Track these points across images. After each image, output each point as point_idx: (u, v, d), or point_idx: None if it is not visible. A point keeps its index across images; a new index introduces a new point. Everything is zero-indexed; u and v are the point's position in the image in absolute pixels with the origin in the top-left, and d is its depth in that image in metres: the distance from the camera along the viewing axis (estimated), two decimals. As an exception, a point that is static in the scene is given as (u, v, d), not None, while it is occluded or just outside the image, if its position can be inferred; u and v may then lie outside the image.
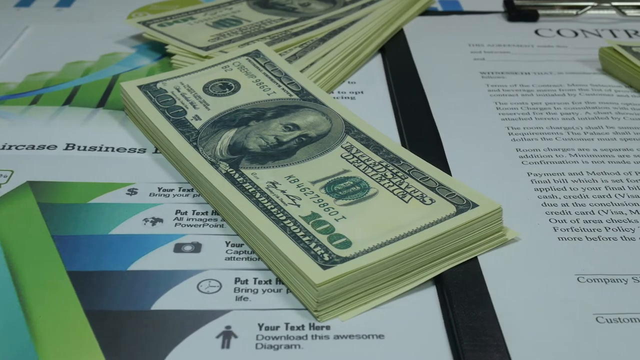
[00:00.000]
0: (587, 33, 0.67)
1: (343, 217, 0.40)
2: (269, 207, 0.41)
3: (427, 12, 0.71)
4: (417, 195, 0.42)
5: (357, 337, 0.35)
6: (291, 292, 0.38)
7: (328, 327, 0.35)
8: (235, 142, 0.47)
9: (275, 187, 0.42)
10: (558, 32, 0.67)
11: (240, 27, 0.64)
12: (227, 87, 0.53)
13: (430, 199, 0.41)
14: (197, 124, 0.48)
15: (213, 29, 0.63)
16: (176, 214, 0.43)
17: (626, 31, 0.67)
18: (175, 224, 0.42)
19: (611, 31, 0.67)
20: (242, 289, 0.38)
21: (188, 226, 0.42)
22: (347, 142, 0.46)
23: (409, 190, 0.42)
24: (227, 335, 0.35)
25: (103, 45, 0.64)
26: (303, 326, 0.35)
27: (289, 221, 0.40)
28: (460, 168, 0.47)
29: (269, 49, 0.57)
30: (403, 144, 0.50)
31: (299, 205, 0.41)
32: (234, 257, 0.40)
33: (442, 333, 0.35)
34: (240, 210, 0.40)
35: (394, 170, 0.44)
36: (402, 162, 0.44)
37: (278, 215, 0.40)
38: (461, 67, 0.60)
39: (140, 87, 0.53)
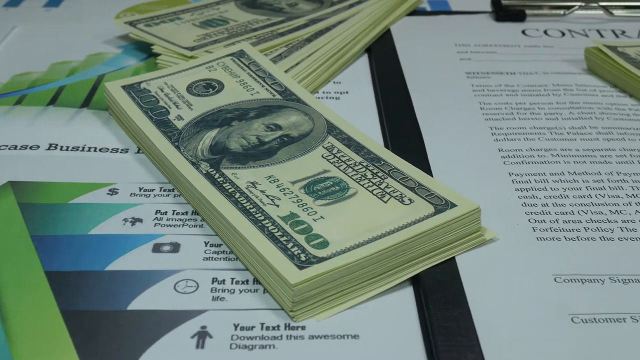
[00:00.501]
0: (574, 33, 0.67)
1: (321, 217, 0.40)
2: (247, 207, 0.41)
3: (415, 12, 0.71)
4: (396, 196, 0.42)
5: (331, 337, 0.35)
6: (268, 292, 0.38)
7: (303, 327, 0.35)
8: (217, 142, 0.47)
9: (255, 187, 0.42)
10: (545, 32, 0.67)
11: (227, 27, 0.64)
12: (210, 87, 0.53)
13: (409, 199, 0.41)
14: (180, 124, 0.48)
15: (199, 29, 0.63)
16: (156, 214, 0.43)
17: (613, 31, 0.67)
18: (155, 224, 0.42)
19: (598, 31, 0.67)
20: (219, 289, 0.38)
21: (167, 226, 0.42)
22: (328, 142, 0.46)
23: (388, 190, 0.42)
24: (202, 335, 0.35)
25: (90, 45, 0.64)
26: (278, 326, 0.35)
27: (267, 221, 0.40)
28: (441, 168, 0.47)
29: (253, 49, 0.57)
30: (386, 144, 0.50)
31: (277, 206, 0.41)
32: (212, 257, 0.40)
33: (417, 333, 0.35)
34: (219, 210, 0.40)
35: (374, 171, 0.44)
36: (382, 162, 0.44)
37: (257, 216, 0.40)
38: (447, 67, 0.60)
39: (124, 87, 0.53)
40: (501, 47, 0.64)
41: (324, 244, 0.38)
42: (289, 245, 0.38)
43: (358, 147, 0.46)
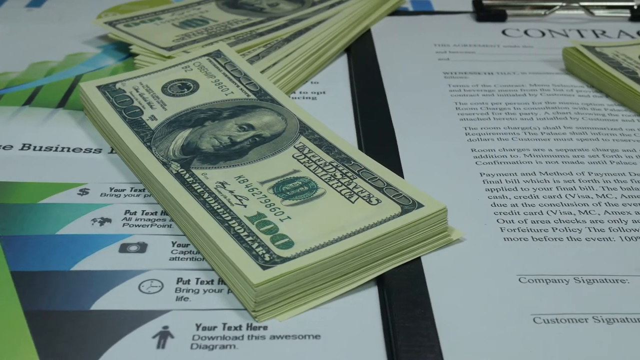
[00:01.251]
0: (555, 33, 0.67)
1: (288, 217, 0.40)
2: (215, 208, 0.41)
3: (397, 12, 0.71)
4: (364, 196, 0.42)
5: (292, 337, 0.35)
6: (232, 293, 0.38)
7: (265, 328, 0.35)
8: (189, 142, 0.47)
9: (224, 188, 0.42)
10: (525, 32, 0.67)
11: (206, 27, 0.64)
12: (185, 87, 0.53)
13: (377, 199, 0.41)
14: (153, 124, 0.48)
15: (179, 29, 0.63)
16: (125, 214, 0.43)
17: (594, 31, 0.67)
18: (124, 224, 0.42)
19: (579, 31, 0.67)
20: (183, 289, 0.38)
21: (136, 226, 0.42)
22: (300, 143, 0.47)
23: (356, 190, 0.42)
24: (163, 336, 0.35)
25: (69, 46, 0.64)
26: (240, 326, 0.36)
27: (233, 221, 0.40)
28: (413, 168, 0.47)
29: (230, 49, 0.57)
30: (359, 144, 0.50)
31: (245, 206, 0.41)
32: (178, 258, 0.40)
33: (379, 333, 0.35)
34: (187, 210, 0.41)
35: (344, 171, 0.44)
36: (352, 162, 0.44)
37: (224, 216, 0.40)
38: (425, 67, 0.60)
39: (99, 87, 0.53)
40: (480, 47, 0.64)
41: (289, 244, 0.38)
42: (254, 246, 0.38)
43: (329, 147, 0.46)
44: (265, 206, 0.41)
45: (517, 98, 0.55)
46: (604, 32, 0.67)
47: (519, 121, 0.52)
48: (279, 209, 0.41)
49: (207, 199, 0.41)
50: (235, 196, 0.42)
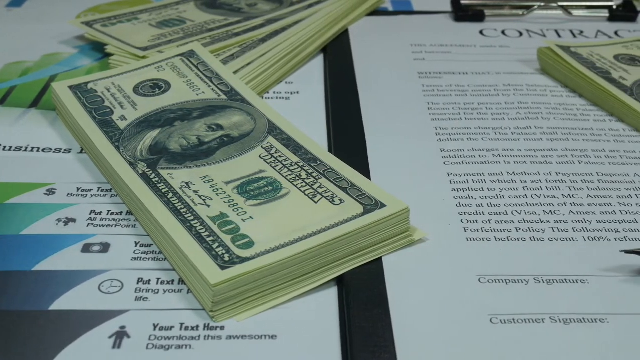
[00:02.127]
0: (532, 33, 0.67)
1: (250, 217, 0.40)
2: (178, 208, 0.41)
3: (377, 12, 0.71)
4: (328, 196, 0.42)
5: (249, 337, 0.35)
6: (192, 293, 0.38)
7: (222, 328, 0.36)
8: (157, 142, 0.47)
9: (189, 188, 0.42)
10: (503, 32, 0.67)
11: (183, 27, 0.64)
12: (157, 87, 0.53)
13: (340, 200, 0.41)
14: (122, 124, 0.49)
15: (155, 29, 0.63)
16: (90, 214, 0.43)
17: (571, 31, 0.67)
18: (88, 224, 0.42)
19: (556, 31, 0.67)
20: (143, 289, 0.38)
21: (100, 226, 0.42)
22: (267, 143, 0.47)
23: (320, 190, 0.42)
24: (120, 336, 0.35)
25: (46, 46, 0.64)
26: (198, 326, 0.36)
27: (196, 221, 0.40)
28: (381, 168, 0.47)
29: (204, 49, 0.57)
30: (329, 144, 0.50)
31: (209, 206, 0.41)
32: (140, 258, 0.40)
33: (336, 333, 0.35)
34: (149, 210, 0.41)
35: (309, 171, 0.44)
36: (318, 162, 0.44)
37: (186, 216, 0.40)
38: (400, 67, 0.60)
39: (71, 87, 0.53)
40: (457, 47, 0.64)
41: (249, 244, 0.38)
42: (215, 246, 0.38)
43: (296, 147, 0.46)
44: (229, 206, 0.41)
45: (490, 98, 0.55)
46: (581, 32, 0.67)
47: (490, 121, 0.52)
48: (242, 209, 0.41)
49: (171, 199, 0.41)
50: (199, 196, 0.42)
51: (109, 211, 0.43)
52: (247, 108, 0.50)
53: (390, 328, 0.35)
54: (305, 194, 0.42)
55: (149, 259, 0.40)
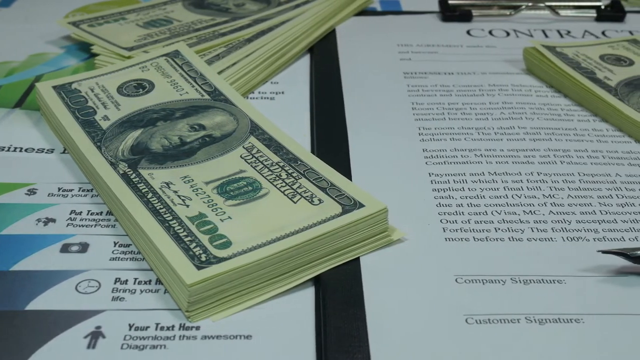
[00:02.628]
0: (519, 33, 0.67)
1: (229, 217, 0.40)
2: (157, 208, 0.41)
3: (365, 12, 0.71)
4: (307, 196, 0.42)
5: (224, 337, 0.35)
6: (168, 293, 0.38)
7: (197, 328, 0.36)
8: (139, 142, 0.47)
9: (169, 188, 0.42)
10: (490, 32, 0.67)
11: (169, 27, 0.64)
12: (141, 87, 0.53)
13: (319, 200, 0.41)
14: (105, 124, 0.49)
15: (142, 30, 0.63)
16: (70, 214, 0.43)
17: (558, 31, 0.67)
18: (67, 224, 0.42)
19: (544, 31, 0.67)
20: (120, 289, 0.38)
21: (80, 226, 0.42)
22: (249, 143, 0.47)
23: (300, 190, 0.42)
24: (95, 336, 0.35)
25: (33, 46, 0.64)
26: (173, 326, 0.36)
27: (174, 221, 0.40)
28: (362, 169, 0.47)
29: (188, 49, 0.57)
30: (312, 144, 0.50)
31: (188, 206, 0.41)
32: (119, 258, 0.40)
33: (311, 333, 0.35)
34: (128, 210, 0.41)
35: (290, 171, 0.44)
36: (299, 162, 0.44)
37: (165, 216, 0.40)
38: (385, 68, 0.60)
39: (55, 87, 0.53)
40: (443, 47, 0.64)
41: (227, 244, 0.38)
42: (192, 246, 0.38)
43: (278, 148, 0.46)
44: (208, 206, 0.41)
45: (474, 98, 0.55)
46: (568, 32, 0.67)
47: (474, 121, 0.52)
48: (221, 209, 0.41)
49: (151, 199, 0.41)
50: (178, 196, 0.42)
51: (89, 211, 0.43)
52: (230, 108, 0.50)
53: (365, 328, 0.35)
54: (284, 194, 0.42)
55: (127, 259, 0.40)
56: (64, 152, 0.49)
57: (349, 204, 0.41)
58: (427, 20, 0.69)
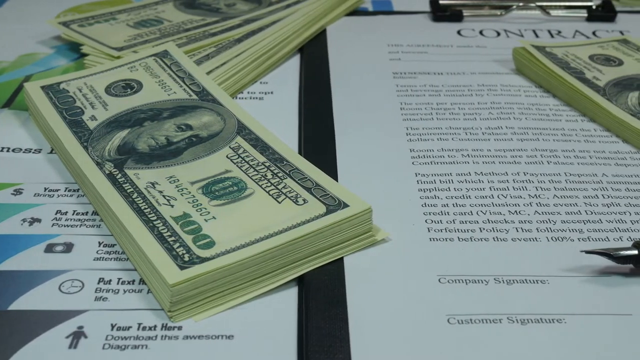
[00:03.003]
0: (510, 33, 0.67)
1: (213, 217, 0.40)
2: (142, 208, 0.41)
3: (356, 12, 0.71)
4: (292, 196, 0.42)
5: (206, 337, 0.35)
6: (152, 293, 0.38)
7: (180, 328, 0.36)
8: (126, 142, 0.47)
9: (154, 188, 0.42)
10: (481, 32, 0.67)
11: (160, 27, 0.64)
12: (129, 87, 0.53)
13: (304, 200, 0.41)
14: (92, 125, 0.49)
15: (132, 30, 0.63)
16: (56, 214, 0.43)
17: (549, 31, 0.67)
18: (53, 224, 0.42)
19: (534, 31, 0.67)
20: (103, 289, 0.38)
21: (65, 226, 0.42)
22: (235, 143, 0.47)
23: (285, 190, 0.42)
24: (77, 336, 0.35)
25: (23, 46, 0.64)
26: (155, 326, 0.36)
27: (158, 221, 0.40)
28: (349, 169, 0.47)
29: (177, 49, 0.57)
30: (300, 144, 0.50)
31: (172, 206, 0.41)
32: (103, 258, 0.40)
33: (293, 333, 0.35)
34: (113, 210, 0.41)
35: (275, 171, 0.44)
36: (285, 162, 0.44)
37: (149, 216, 0.40)
38: (375, 68, 0.60)
39: (43, 87, 0.53)
40: (434, 47, 0.64)
41: (210, 244, 0.38)
42: (175, 246, 0.38)
43: (264, 148, 0.46)
44: (192, 206, 0.41)
45: (463, 98, 0.55)
46: (559, 32, 0.67)
47: (462, 121, 0.52)
48: (206, 209, 0.41)
49: (136, 199, 0.41)
50: (163, 196, 0.42)
51: (74, 211, 0.43)
52: (218, 108, 0.50)
53: (347, 328, 0.35)
54: (269, 194, 0.42)
55: (111, 259, 0.40)
56: (51, 152, 0.49)
57: (334, 204, 0.41)
58: (418, 20, 0.69)
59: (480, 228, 0.42)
